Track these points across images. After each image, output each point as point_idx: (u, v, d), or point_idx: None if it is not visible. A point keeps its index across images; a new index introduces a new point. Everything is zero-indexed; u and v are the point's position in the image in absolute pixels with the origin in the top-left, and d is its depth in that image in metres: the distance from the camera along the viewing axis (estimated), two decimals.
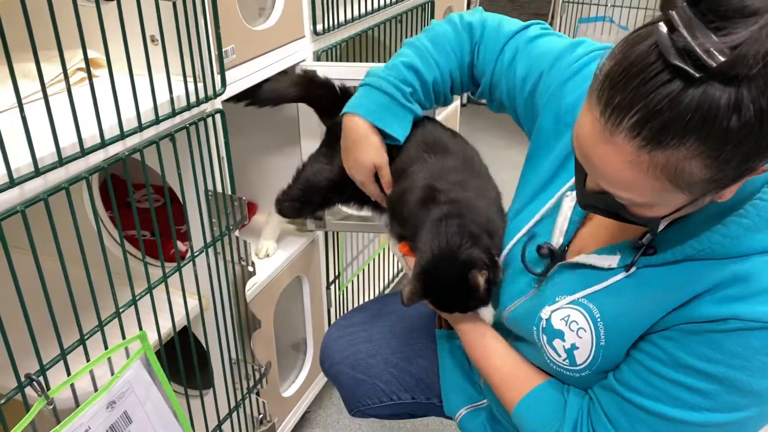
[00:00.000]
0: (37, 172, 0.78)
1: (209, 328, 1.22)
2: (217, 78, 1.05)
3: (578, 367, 0.86)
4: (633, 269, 0.80)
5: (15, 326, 0.80)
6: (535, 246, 0.93)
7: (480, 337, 0.99)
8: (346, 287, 1.79)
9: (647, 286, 0.79)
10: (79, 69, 1.06)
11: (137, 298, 0.99)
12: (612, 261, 0.83)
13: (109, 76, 0.86)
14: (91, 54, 1.04)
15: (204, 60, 1.00)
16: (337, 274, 1.71)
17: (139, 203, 1.71)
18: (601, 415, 0.84)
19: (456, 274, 0.94)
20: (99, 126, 0.85)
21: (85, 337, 0.91)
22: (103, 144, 0.86)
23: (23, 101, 0.91)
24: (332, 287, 1.70)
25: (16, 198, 0.77)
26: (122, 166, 0.90)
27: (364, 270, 1.90)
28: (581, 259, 0.86)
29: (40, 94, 0.94)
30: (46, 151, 0.80)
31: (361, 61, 1.66)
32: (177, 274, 1.06)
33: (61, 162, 0.81)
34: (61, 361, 0.88)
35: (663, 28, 0.61)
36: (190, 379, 1.21)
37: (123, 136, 0.89)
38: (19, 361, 0.81)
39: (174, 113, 0.97)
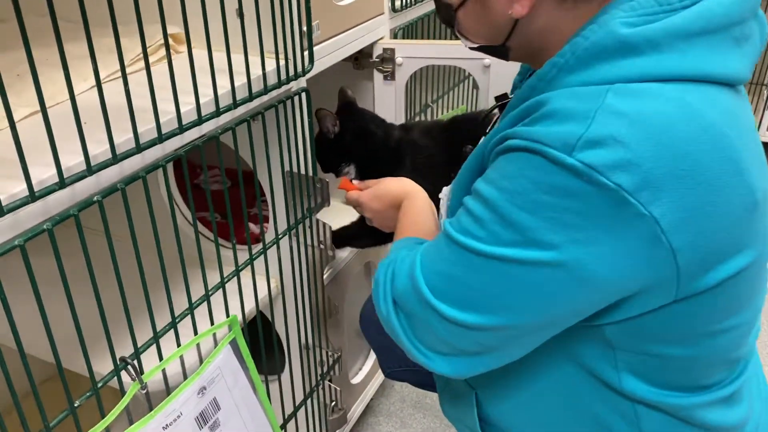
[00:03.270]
0: (139, 148, 0.75)
1: (285, 313, 1.18)
2: (305, 55, 1.01)
3: None
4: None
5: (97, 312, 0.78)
6: None
7: (415, 205, 0.97)
8: None
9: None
10: (163, 45, 1.03)
11: (225, 281, 0.96)
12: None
13: (188, 54, 0.83)
14: (171, 29, 1.02)
15: (295, 36, 0.96)
16: None
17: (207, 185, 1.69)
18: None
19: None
20: (197, 102, 0.82)
21: (177, 321, 0.88)
22: (200, 120, 0.83)
23: (102, 81, 0.90)
24: None
25: (116, 175, 0.75)
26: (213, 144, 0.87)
27: None
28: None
29: (119, 74, 0.92)
30: (126, 136, 0.77)
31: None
32: (252, 257, 1.03)
33: (140, 147, 0.78)
34: (153, 346, 0.85)
35: None
36: (265, 364, 1.18)
37: (218, 113, 0.86)
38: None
39: (266, 90, 0.93)
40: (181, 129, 0.80)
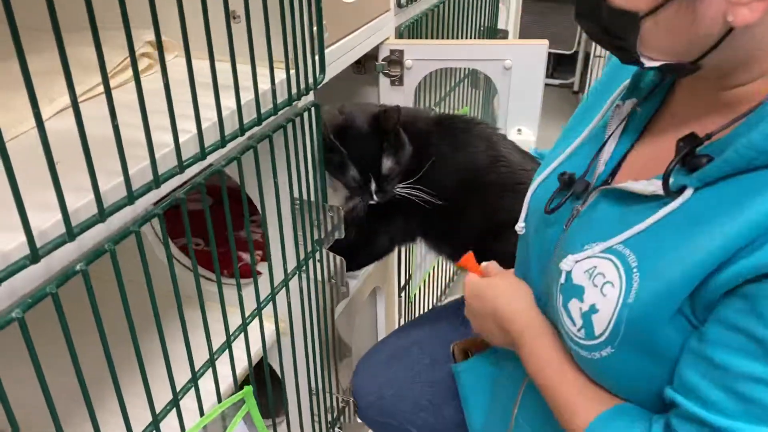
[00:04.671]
0: (131, 198, 0.58)
1: (294, 357, 1.03)
2: (315, 63, 0.85)
3: (596, 341, 0.63)
4: (688, 192, 0.57)
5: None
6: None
7: (536, 338, 0.73)
8: (415, 294, 1.61)
9: (702, 213, 0.56)
10: (144, 54, 0.86)
11: (232, 340, 0.80)
12: (657, 186, 0.60)
13: (187, 66, 0.66)
14: (150, 35, 0.85)
15: (306, 41, 0.80)
16: (408, 277, 1.52)
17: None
18: None
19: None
20: (199, 130, 0.65)
21: (180, 397, 0.72)
22: (203, 155, 0.67)
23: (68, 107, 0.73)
24: (402, 294, 1.51)
25: (104, 231, 0.58)
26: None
27: (429, 273, 1.71)
28: (620, 184, 0.65)
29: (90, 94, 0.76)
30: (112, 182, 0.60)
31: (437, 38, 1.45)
32: (260, 305, 0.87)
33: (133, 196, 0.61)
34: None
35: None
36: (265, 414, 1.03)
37: (224, 142, 0.69)
38: None
39: (276, 110, 0.77)
40: (181, 167, 0.64)
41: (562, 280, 0.66)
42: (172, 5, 0.61)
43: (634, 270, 0.60)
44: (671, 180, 0.58)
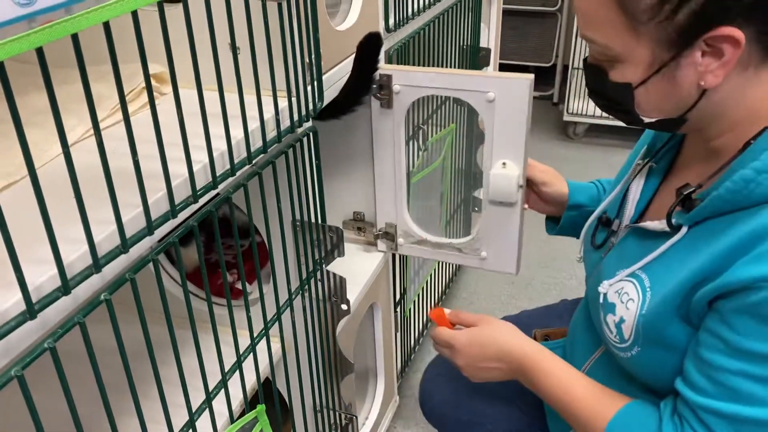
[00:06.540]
0: (150, 229, 0.61)
1: (300, 377, 1.05)
2: (312, 91, 0.88)
3: (627, 344, 0.80)
4: (684, 230, 0.75)
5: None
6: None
7: (547, 361, 0.88)
8: (410, 308, 1.64)
9: (694, 244, 0.73)
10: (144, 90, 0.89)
11: (242, 359, 0.82)
12: (665, 225, 0.77)
13: (197, 95, 0.69)
14: (153, 68, 0.88)
15: (305, 70, 0.83)
16: (402, 291, 1.55)
17: None
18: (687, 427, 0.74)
19: None
20: (210, 159, 0.68)
21: (195, 418, 0.74)
22: (215, 183, 0.70)
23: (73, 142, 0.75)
24: (398, 309, 1.54)
25: (123, 262, 0.60)
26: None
27: (422, 288, 1.74)
28: (640, 224, 0.83)
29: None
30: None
31: (425, 64, 1.48)
32: (267, 325, 0.90)
33: (152, 227, 0.64)
34: None
35: None
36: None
37: (233, 171, 0.72)
38: None
39: (280, 137, 0.80)
40: (195, 197, 0.66)
41: (601, 300, 0.83)
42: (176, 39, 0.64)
43: (648, 289, 0.77)
44: (673, 220, 0.75)
